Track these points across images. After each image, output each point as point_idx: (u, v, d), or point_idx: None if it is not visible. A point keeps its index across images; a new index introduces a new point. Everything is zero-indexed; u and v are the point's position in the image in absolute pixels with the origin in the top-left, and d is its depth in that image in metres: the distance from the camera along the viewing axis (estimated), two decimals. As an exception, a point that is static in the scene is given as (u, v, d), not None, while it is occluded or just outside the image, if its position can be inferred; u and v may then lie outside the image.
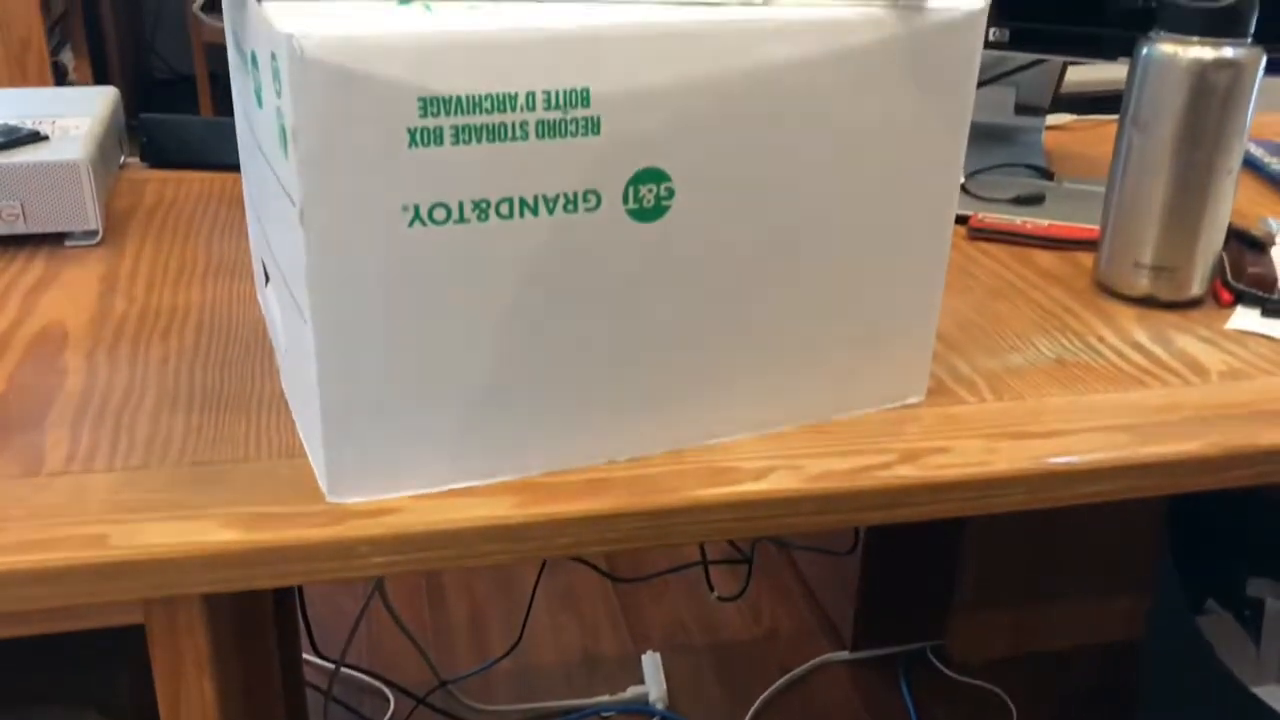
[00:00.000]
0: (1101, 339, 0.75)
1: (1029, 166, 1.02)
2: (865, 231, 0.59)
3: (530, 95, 0.50)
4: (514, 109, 0.50)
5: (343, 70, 0.47)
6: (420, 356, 0.53)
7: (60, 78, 2.82)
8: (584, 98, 0.51)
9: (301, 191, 0.48)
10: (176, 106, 3.35)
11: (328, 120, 0.47)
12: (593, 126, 0.52)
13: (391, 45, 0.47)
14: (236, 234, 0.85)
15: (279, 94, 0.48)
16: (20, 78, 2.51)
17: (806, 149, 0.56)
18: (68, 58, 2.97)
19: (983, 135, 1.04)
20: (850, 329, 0.62)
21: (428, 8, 0.51)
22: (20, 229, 0.80)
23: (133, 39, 3.51)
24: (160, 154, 0.98)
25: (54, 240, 0.82)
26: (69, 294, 0.75)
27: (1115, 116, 0.80)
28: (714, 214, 0.56)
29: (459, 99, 0.49)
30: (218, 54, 3.11)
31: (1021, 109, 1.10)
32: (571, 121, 0.51)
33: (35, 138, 0.82)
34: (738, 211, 0.56)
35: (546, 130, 0.51)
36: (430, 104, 0.49)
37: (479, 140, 0.50)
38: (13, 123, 0.84)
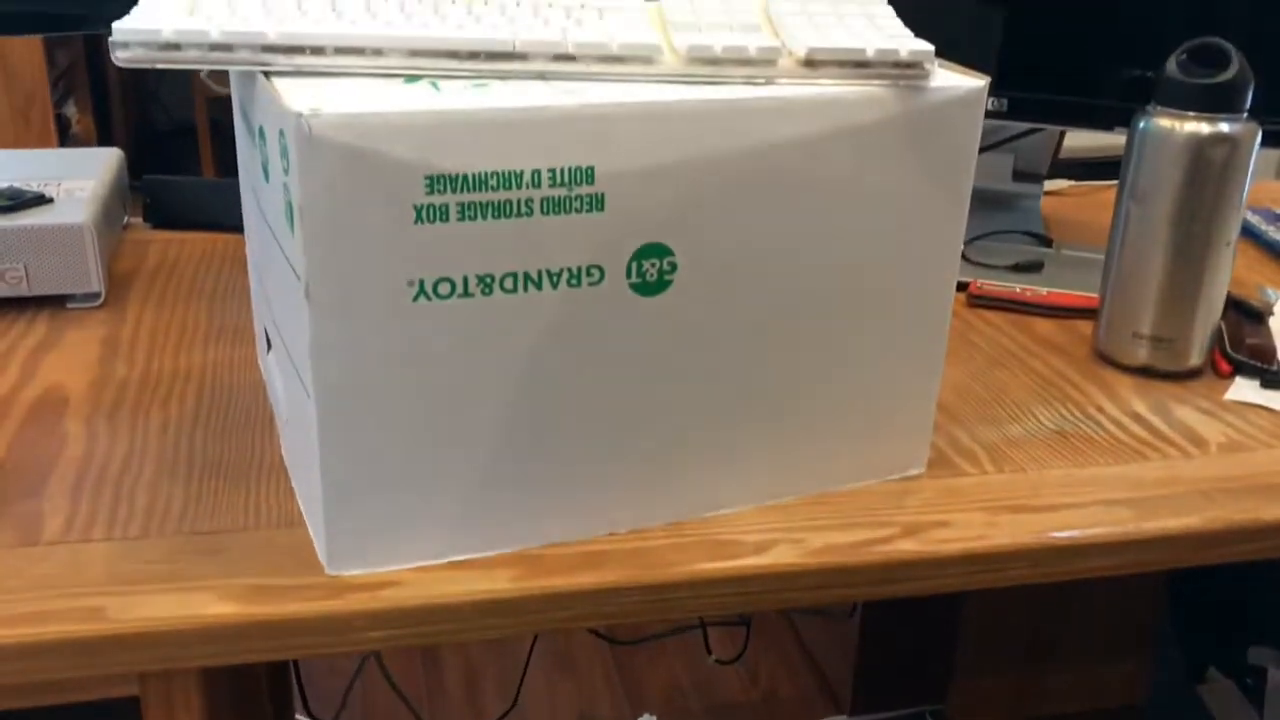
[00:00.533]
0: (1101, 409, 0.75)
1: (1027, 233, 1.03)
2: (867, 306, 0.60)
3: (536, 173, 0.51)
4: (519, 186, 0.50)
5: (351, 149, 0.47)
6: (423, 430, 0.53)
7: (64, 129, 2.85)
8: (589, 175, 0.51)
9: (307, 267, 0.49)
10: (179, 157, 3.37)
11: (335, 197, 0.48)
12: (597, 203, 0.52)
13: (399, 124, 0.48)
14: (238, 297, 0.85)
15: (287, 171, 0.49)
16: (24, 129, 2.53)
17: (809, 225, 0.57)
18: (71, 110, 2.99)
19: (981, 201, 1.05)
20: (852, 401, 0.62)
21: (434, 86, 0.51)
22: (23, 291, 0.80)
23: (136, 90, 3.54)
24: (163, 215, 0.99)
25: (56, 302, 0.82)
26: (70, 357, 0.75)
27: (1113, 182, 0.81)
28: (717, 288, 0.56)
29: (465, 176, 0.49)
30: (220, 105, 3.14)
31: (1020, 175, 1.11)
32: (576, 198, 0.52)
33: (40, 200, 0.83)
34: (740, 286, 0.56)
35: (551, 207, 0.51)
36: (437, 181, 0.49)
37: (484, 216, 0.50)
38: (18, 185, 0.85)
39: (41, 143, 2.58)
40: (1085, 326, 0.86)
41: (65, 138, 2.83)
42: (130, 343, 0.77)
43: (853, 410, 0.62)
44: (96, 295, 0.82)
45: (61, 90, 2.86)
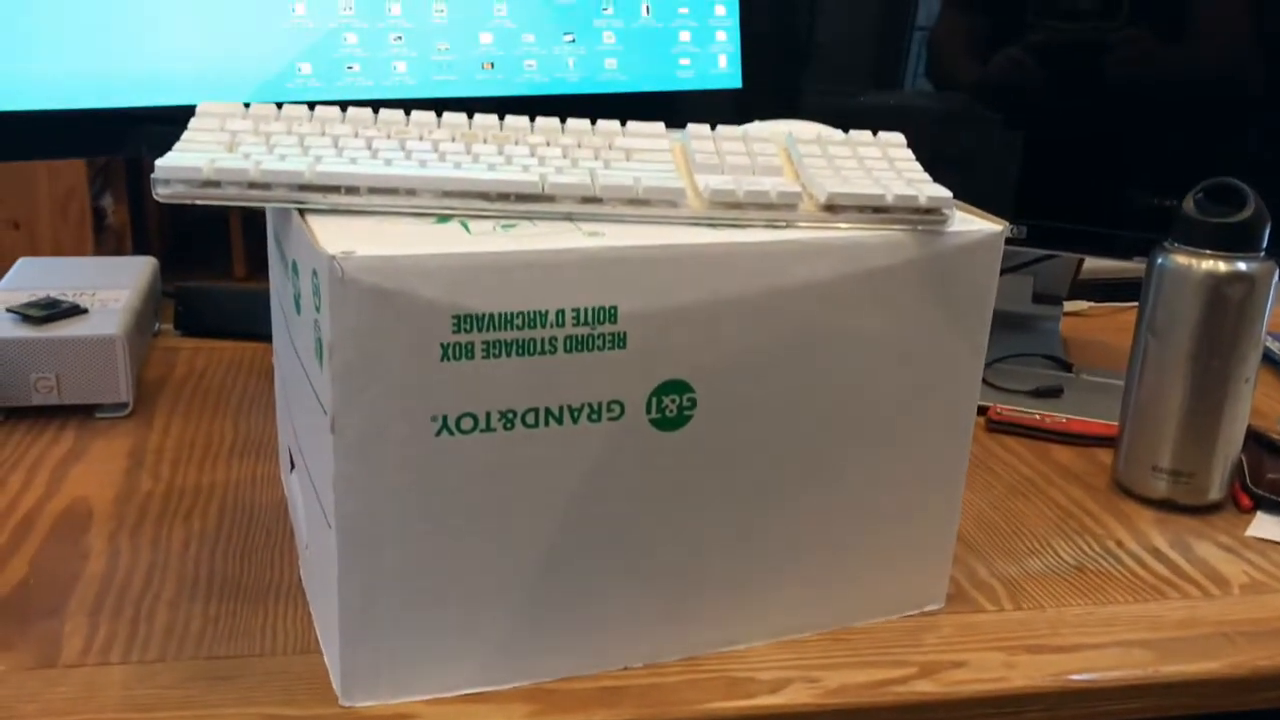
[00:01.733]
0: (1120, 543, 0.74)
1: (1047, 356, 1.03)
2: (886, 443, 0.60)
3: (560, 313, 0.52)
4: (544, 325, 0.52)
5: (382, 290, 0.48)
6: (442, 563, 0.53)
7: (99, 220, 2.91)
8: (611, 315, 0.53)
9: (334, 403, 0.50)
10: (210, 247, 3.43)
11: (364, 336, 0.49)
12: (619, 341, 0.53)
13: (429, 266, 0.49)
14: (264, 409, 0.87)
15: (318, 308, 0.50)
16: (62, 222, 2.58)
17: (828, 365, 0.57)
18: (108, 201, 3.06)
19: (1001, 323, 1.05)
20: (870, 537, 0.62)
21: (464, 226, 0.53)
22: (53, 400, 0.82)
23: (172, 184, 3.61)
24: (194, 323, 1.01)
25: (84, 411, 0.83)
26: (96, 469, 0.76)
27: (1133, 304, 0.81)
28: (736, 424, 0.57)
29: (491, 316, 0.51)
30: (253, 201, 3.19)
31: (1039, 297, 1.12)
32: (599, 336, 0.53)
33: (75, 311, 0.84)
34: (759, 422, 0.57)
35: (574, 345, 0.52)
36: (463, 321, 0.50)
37: (508, 354, 0.51)
38: (55, 295, 0.87)
39: (78, 235, 2.64)
40: (1105, 455, 0.86)
41: (101, 229, 2.89)
42: (156, 455, 0.78)
43: (871, 546, 0.62)
44: (125, 405, 0.84)
45: (99, 183, 2.93)
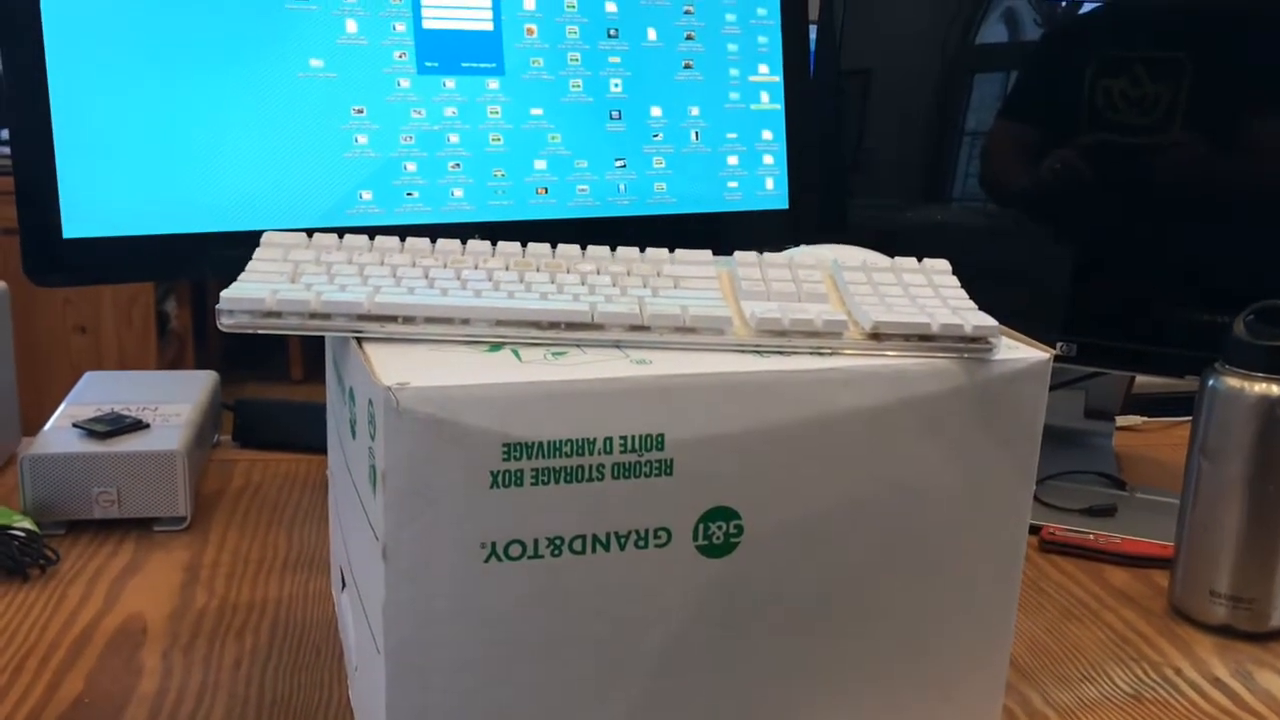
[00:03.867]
0: (1179, 671, 0.73)
1: (1100, 474, 1.02)
2: (934, 571, 0.60)
3: (608, 440, 0.52)
4: (591, 453, 0.52)
5: (436, 420, 0.50)
6: (491, 692, 0.54)
7: (163, 324, 2.99)
8: (659, 442, 0.53)
9: (386, 531, 0.50)
10: (269, 352, 3.50)
11: (417, 465, 0.50)
12: (666, 468, 0.54)
13: (481, 396, 0.50)
14: (317, 522, 0.88)
15: (373, 436, 0.51)
16: (127, 328, 2.66)
17: (874, 492, 0.57)
18: (171, 306, 3.15)
19: (1052, 440, 1.04)
20: (920, 666, 0.61)
21: (516, 354, 0.54)
22: (113, 514, 0.84)
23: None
24: (251, 435, 1.03)
25: (143, 525, 0.85)
26: (152, 583, 0.77)
27: (1188, 419, 0.81)
28: (782, 552, 0.57)
29: (540, 444, 0.51)
30: (311, 306, 3.26)
31: (1091, 412, 1.11)
32: (646, 463, 0.53)
33: (138, 426, 0.87)
34: (806, 550, 0.57)
35: (622, 472, 0.53)
36: (514, 449, 0.51)
37: (557, 481, 0.52)
38: (119, 409, 0.89)
39: (142, 339, 2.71)
40: (1161, 576, 0.85)
41: (164, 333, 2.97)
42: (211, 569, 0.80)
43: (921, 675, 0.61)
44: (182, 519, 0.85)
45: (163, 288, 3.02)
